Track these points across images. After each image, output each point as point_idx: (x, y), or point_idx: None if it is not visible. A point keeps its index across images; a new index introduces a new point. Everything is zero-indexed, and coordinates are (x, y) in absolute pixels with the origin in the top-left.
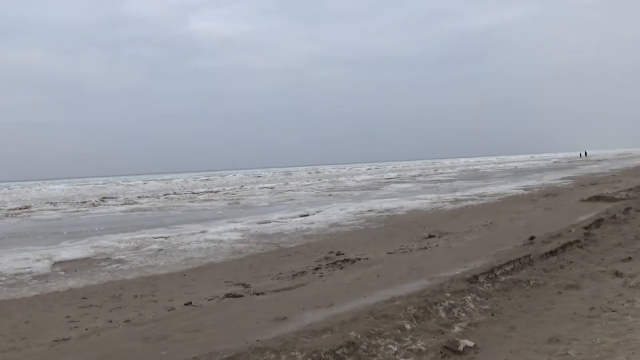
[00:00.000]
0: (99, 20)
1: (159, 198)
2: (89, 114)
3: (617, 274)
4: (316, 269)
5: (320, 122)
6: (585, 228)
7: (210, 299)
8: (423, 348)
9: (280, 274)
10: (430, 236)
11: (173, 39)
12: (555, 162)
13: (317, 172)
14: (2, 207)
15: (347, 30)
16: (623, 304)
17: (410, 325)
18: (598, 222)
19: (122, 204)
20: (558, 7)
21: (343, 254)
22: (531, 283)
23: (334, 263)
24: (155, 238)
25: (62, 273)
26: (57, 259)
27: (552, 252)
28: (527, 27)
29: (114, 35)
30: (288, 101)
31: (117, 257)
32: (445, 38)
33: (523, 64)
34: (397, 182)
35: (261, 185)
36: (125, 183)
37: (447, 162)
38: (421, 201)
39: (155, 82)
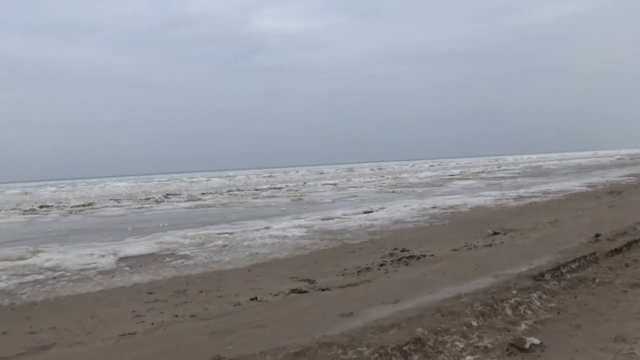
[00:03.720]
0: (164, 19)
1: (222, 194)
2: (153, 112)
3: None
4: (381, 265)
5: (382, 118)
6: None
7: (276, 295)
8: (489, 345)
9: (345, 270)
10: (495, 233)
11: (236, 37)
12: (618, 159)
13: (380, 169)
14: (66, 204)
15: (409, 25)
16: None
17: (477, 322)
18: None
19: (185, 201)
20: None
21: (408, 250)
22: (597, 281)
23: (399, 259)
24: (219, 234)
25: (127, 268)
26: (121, 254)
27: (617, 250)
28: (594, 21)
29: (179, 34)
30: (349, 98)
31: (181, 253)
32: (508, 33)
33: (588, 59)
34: (460, 179)
35: (324, 182)
36: (189, 180)
37: (510, 158)
38: (485, 198)
39: (218, 79)
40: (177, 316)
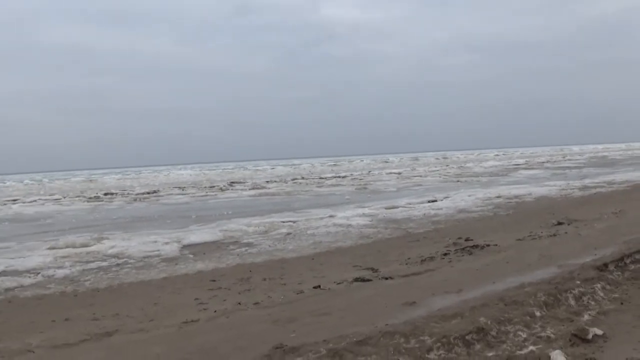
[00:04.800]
0: (230, 8)
1: (286, 183)
2: (219, 101)
3: None
4: (445, 254)
5: (447, 108)
6: None
7: (339, 283)
8: (552, 335)
9: (408, 259)
10: (559, 223)
11: (304, 26)
12: None
13: (445, 158)
14: (131, 192)
15: (476, 15)
16: None
17: (540, 312)
18: None
19: (250, 189)
20: None
21: (472, 240)
22: None
23: (463, 249)
24: (283, 222)
25: (191, 256)
26: (185, 242)
27: None
28: None
29: (245, 23)
30: (416, 88)
31: (245, 241)
32: (576, 22)
33: None
34: (525, 169)
35: (389, 171)
36: (254, 168)
37: (575, 148)
38: (549, 188)
39: (284, 68)
40: (240, 304)
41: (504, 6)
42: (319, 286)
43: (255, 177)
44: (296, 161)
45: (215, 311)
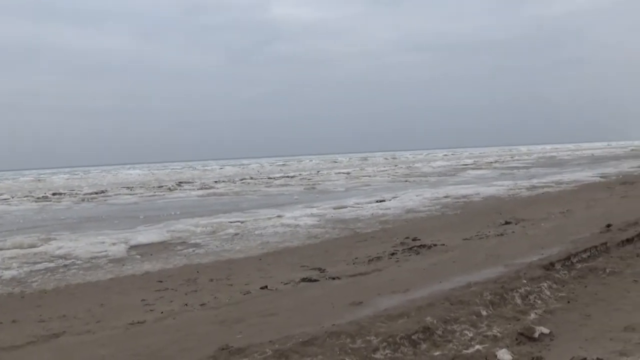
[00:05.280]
0: (182, 7)
1: (235, 183)
2: (170, 99)
3: None
4: (392, 254)
5: (398, 108)
6: None
7: (286, 283)
8: (498, 334)
9: (356, 258)
10: (507, 223)
11: (255, 25)
12: (632, 149)
13: (394, 158)
14: (79, 192)
15: (429, 15)
16: None
17: (486, 312)
18: None
19: (198, 189)
20: None
21: (419, 239)
22: (607, 271)
23: (410, 248)
24: (231, 222)
25: (138, 257)
26: (133, 242)
27: (629, 240)
28: (611, 14)
29: (198, 22)
30: (367, 88)
31: (193, 241)
32: (527, 24)
33: (604, 51)
34: (473, 169)
35: (337, 171)
36: (202, 168)
37: (523, 149)
38: (497, 188)
39: (235, 67)
40: (186, 305)
41: (456, 6)
42: (266, 286)
43: (204, 177)
44: (245, 161)
45: (162, 312)
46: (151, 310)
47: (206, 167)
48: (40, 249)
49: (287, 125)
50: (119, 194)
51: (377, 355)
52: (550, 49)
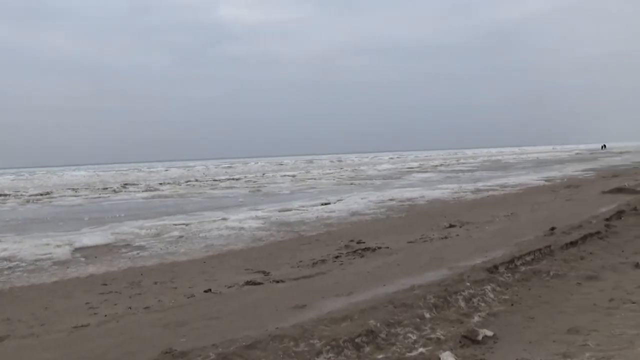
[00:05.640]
0: (130, 6)
1: (180, 185)
2: (116, 100)
3: (637, 265)
4: (336, 257)
5: (345, 111)
6: (607, 220)
7: (230, 286)
8: (442, 337)
9: (300, 261)
10: (451, 226)
11: (201, 26)
12: (577, 153)
13: (340, 161)
14: (24, 193)
15: (375, 19)
16: None
17: (430, 314)
18: (619, 214)
19: (143, 191)
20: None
21: (364, 242)
22: (551, 274)
23: (355, 251)
24: (175, 225)
25: (83, 259)
26: (77, 245)
27: (572, 243)
28: (554, 20)
29: (144, 22)
30: (314, 89)
31: (137, 244)
32: (472, 29)
33: (548, 56)
34: (418, 172)
35: (283, 173)
36: (148, 170)
37: (469, 152)
38: (442, 191)
39: (181, 68)
40: (130, 308)
41: (405, 11)
42: (210, 290)
43: (149, 178)
44: (191, 163)
45: (105, 315)
46: (95, 314)
47: (152, 169)
48: None
49: (234, 127)
50: (64, 196)
51: (321, 359)
52: (490, 54)
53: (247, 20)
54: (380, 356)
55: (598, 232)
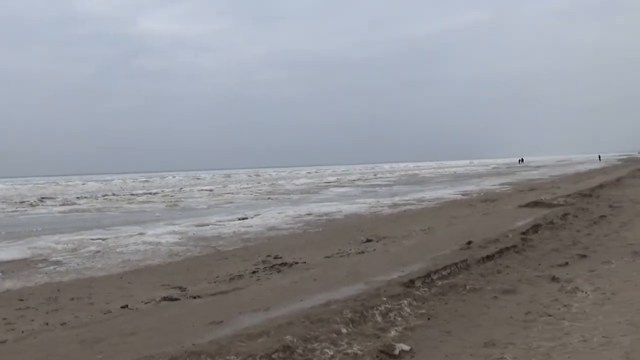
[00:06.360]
0: (49, 17)
1: (97, 199)
2: (32, 111)
3: (553, 278)
4: (253, 272)
5: (263, 124)
6: (523, 233)
7: (147, 302)
8: (359, 352)
9: (217, 277)
10: (368, 240)
11: (121, 38)
12: (494, 167)
13: (257, 175)
14: None
15: (296, 32)
16: (559, 309)
17: (347, 329)
18: (535, 228)
19: (60, 205)
20: (507, 15)
21: (281, 257)
22: (467, 287)
23: (272, 267)
24: (92, 240)
25: None
26: None
27: (489, 257)
28: (474, 35)
29: (63, 33)
30: (232, 103)
31: (54, 259)
32: (392, 44)
33: (467, 71)
34: (336, 186)
35: (200, 188)
36: (65, 183)
37: (386, 166)
38: (359, 205)
39: (100, 79)
40: (47, 324)
41: (325, 25)
42: (127, 306)
43: (67, 192)
44: (108, 177)
45: (22, 332)
46: (13, 329)
47: (69, 183)
48: None
49: (150, 141)
50: None
51: None
52: (409, 68)
53: (167, 33)
54: None
55: (514, 246)
